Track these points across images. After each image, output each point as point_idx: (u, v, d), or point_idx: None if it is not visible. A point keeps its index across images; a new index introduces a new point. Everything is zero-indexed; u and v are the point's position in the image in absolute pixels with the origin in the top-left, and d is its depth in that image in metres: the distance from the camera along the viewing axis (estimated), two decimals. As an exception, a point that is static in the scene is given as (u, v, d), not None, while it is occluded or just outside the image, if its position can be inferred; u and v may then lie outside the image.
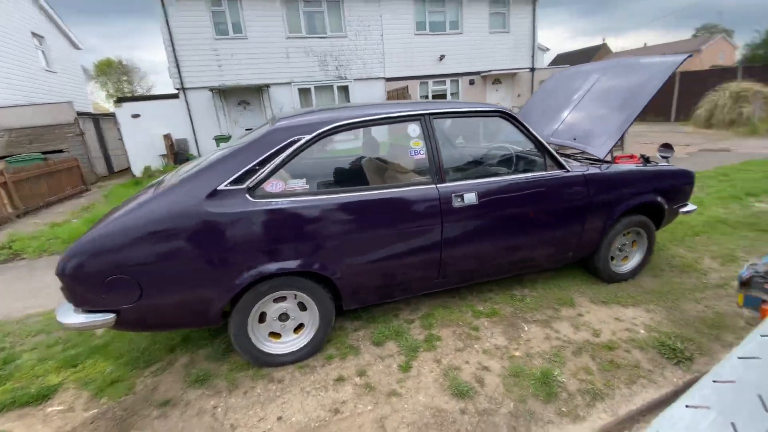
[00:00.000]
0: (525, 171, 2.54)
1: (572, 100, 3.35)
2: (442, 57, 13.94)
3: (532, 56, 15.56)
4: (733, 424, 1.42)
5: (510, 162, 2.76)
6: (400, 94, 12.20)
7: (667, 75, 2.69)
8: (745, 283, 1.89)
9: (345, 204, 2.08)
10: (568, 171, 2.52)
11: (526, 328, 2.40)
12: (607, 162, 2.77)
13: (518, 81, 15.69)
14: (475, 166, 2.86)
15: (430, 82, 14.16)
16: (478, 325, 2.45)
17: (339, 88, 12.89)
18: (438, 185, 2.25)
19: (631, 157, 3.28)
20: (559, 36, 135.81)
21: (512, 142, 2.98)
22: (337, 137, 2.23)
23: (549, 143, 2.72)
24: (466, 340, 2.31)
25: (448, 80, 14.38)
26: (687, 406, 1.51)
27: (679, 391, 1.85)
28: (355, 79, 12.97)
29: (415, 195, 2.20)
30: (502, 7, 14.43)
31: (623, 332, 2.30)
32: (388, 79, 13.41)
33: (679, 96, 14.33)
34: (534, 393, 1.89)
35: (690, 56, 2.87)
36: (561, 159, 2.55)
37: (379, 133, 3.05)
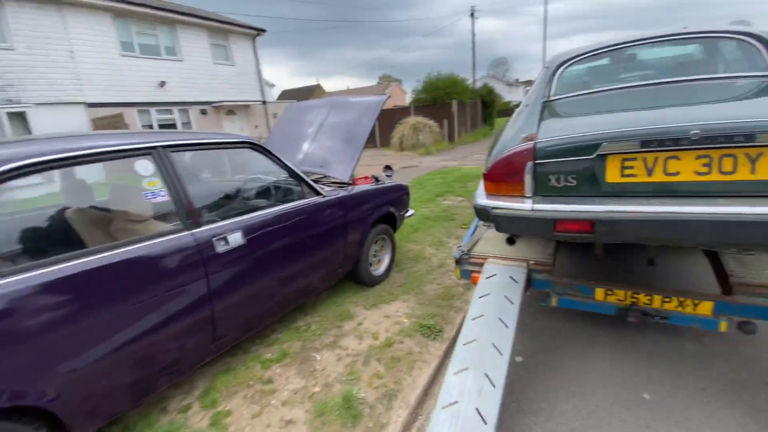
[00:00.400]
0: (285, 201, 2.52)
1: (309, 132, 3.65)
2: (162, 83, 12.38)
3: (261, 90, 16.28)
4: (486, 375, 1.88)
5: (269, 193, 2.67)
6: (112, 123, 9.91)
7: (378, 111, 3.35)
8: (458, 261, 2.55)
9: (51, 283, 1.39)
10: (324, 196, 2.69)
11: (318, 358, 2.36)
12: (350, 184, 3.16)
13: (253, 113, 16.02)
14: (235, 202, 2.60)
15: (153, 110, 12.29)
16: (270, 376, 2.21)
17: (10, 115, 9.13)
18: (193, 231, 1.87)
19: (365, 178, 3.89)
20: (281, 73, 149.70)
21: (264, 172, 2.92)
22: (18, 183, 1.47)
23: (304, 172, 2.82)
24: (261, 400, 2.03)
25: (175, 109, 12.91)
26: (454, 374, 1.89)
27: (443, 361, 2.29)
28: (37, 104, 9.58)
29: (163, 248, 1.74)
30: (222, 40, 14.39)
31: (394, 327, 2.66)
32: (92, 105, 10.67)
33: (379, 127, 18.67)
34: (342, 423, 1.86)
35: (388, 97, 3.70)
36: (316, 186, 2.69)
37: (90, 173, 2.26)
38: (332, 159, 3.31)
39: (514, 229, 1.84)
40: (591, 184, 1.69)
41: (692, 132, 1.46)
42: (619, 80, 2.55)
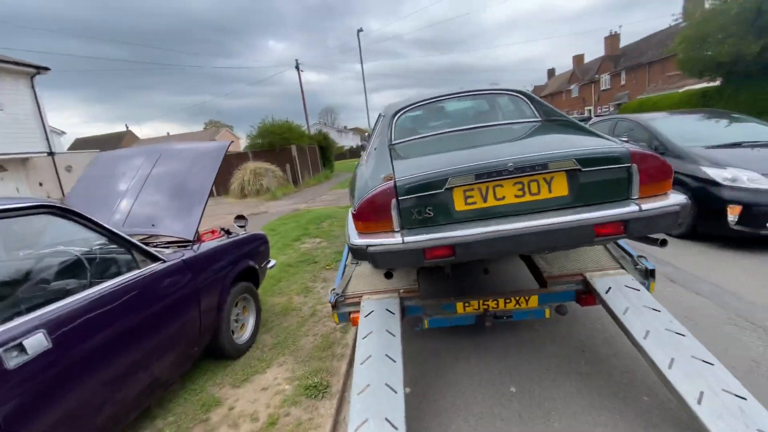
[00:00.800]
0: (110, 275, 1.96)
1: (130, 186, 3.04)
2: None
3: (47, 138, 12.91)
4: (387, 419, 1.81)
5: (83, 269, 2.03)
6: None
7: (221, 157, 3.06)
8: (334, 305, 2.46)
9: None
10: (165, 261, 2.22)
11: (182, 470, 1.84)
12: (195, 242, 2.72)
13: (34, 167, 12.45)
14: (28, 291, 1.86)
15: None
16: None
17: None
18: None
19: (213, 232, 3.44)
20: (75, 119, 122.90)
21: (69, 243, 2.22)
22: None
23: (131, 235, 2.27)
24: None
25: None
26: (356, 430, 1.76)
27: (337, 418, 2.11)
28: None
29: None
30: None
31: (275, 398, 2.33)
32: None
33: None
34: None
35: (231, 143, 3.43)
36: (151, 250, 2.20)
37: None
38: (167, 215, 2.80)
39: (390, 263, 1.90)
40: (445, 214, 1.92)
41: (509, 165, 1.84)
42: (438, 126, 3.08)
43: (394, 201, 1.89)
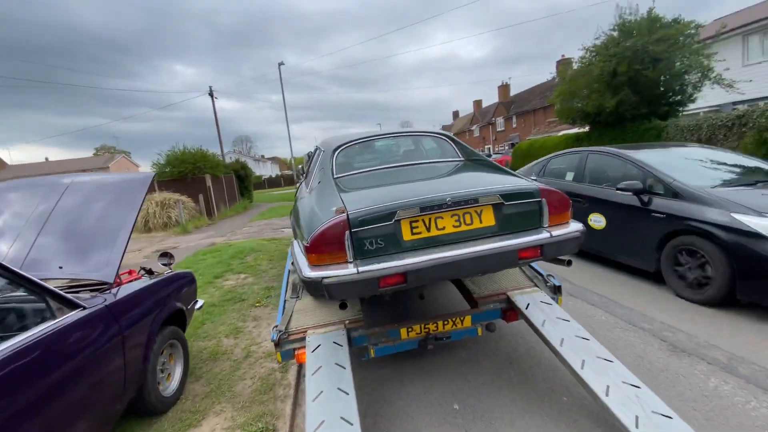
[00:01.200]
0: (19, 329, 1.66)
1: (30, 222, 2.63)
2: None
3: None
4: None
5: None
6: None
7: (145, 190, 2.84)
8: (277, 344, 2.39)
9: None
10: (85, 307, 1.95)
11: None
12: (114, 285, 2.45)
13: None
14: None
15: None
16: None
17: None
18: None
19: (130, 272, 3.09)
20: None
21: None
22: None
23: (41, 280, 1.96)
24: None
25: None
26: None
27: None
28: None
29: None
30: None
31: (215, 451, 2.14)
32: None
33: (111, 207, 15.12)
34: None
35: (155, 175, 3.19)
36: (69, 295, 1.92)
37: None
38: (80, 255, 2.48)
39: (345, 293, 1.96)
40: (394, 243, 2.07)
41: (447, 199, 2.10)
42: (375, 162, 3.30)
43: (347, 233, 1.98)
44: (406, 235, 2.09)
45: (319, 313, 2.66)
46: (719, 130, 9.32)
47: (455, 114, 63.98)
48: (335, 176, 2.88)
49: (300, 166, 5.38)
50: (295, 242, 2.68)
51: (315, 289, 1.96)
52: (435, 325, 2.45)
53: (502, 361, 2.86)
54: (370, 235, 2.03)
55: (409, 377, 2.75)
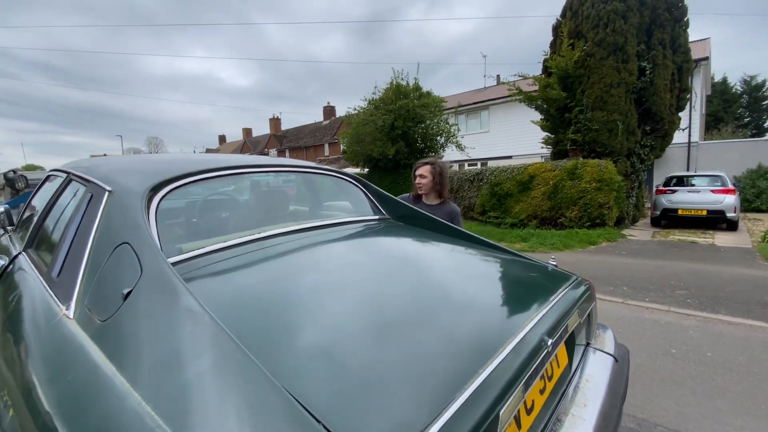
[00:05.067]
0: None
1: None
2: None
3: None
4: None
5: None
6: None
7: None
8: None
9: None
10: None
11: None
12: None
13: None
14: None
15: None
16: None
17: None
18: None
19: None
20: None
21: None
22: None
23: None
24: None
25: None
26: None
27: None
28: None
29: None
30: None
31: None
32: None
33: None
34: None
35: None
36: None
37: None
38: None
39: None
40: None
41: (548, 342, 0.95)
42: (247, 223, 1.67)
43: None
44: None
45: None
46: (465, 183, 11.98)
47: (222, 138, 58.95)
48: (176, 259, 1.14)
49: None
50: None
51: None
52: None
53: None
54: None
55: None
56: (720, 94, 29.35)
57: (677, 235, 9.04)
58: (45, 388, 0.84)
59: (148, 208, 1.21)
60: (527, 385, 0.86)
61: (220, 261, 1.22)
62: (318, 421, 0.59)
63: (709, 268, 6.00)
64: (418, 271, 1.37)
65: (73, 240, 1.22)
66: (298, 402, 0.61)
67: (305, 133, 40.02)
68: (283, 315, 0.96)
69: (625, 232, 9.50)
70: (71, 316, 0.98)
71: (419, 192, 2.73)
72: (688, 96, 10.93)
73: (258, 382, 0.64)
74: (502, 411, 0.75)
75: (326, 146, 35.64)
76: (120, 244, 1.04)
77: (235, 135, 62.73)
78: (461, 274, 1.43)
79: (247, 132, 50.60)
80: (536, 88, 10.49)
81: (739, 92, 30.51)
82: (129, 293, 0.90)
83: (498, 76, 25.76)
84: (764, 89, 29.58)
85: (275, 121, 45.61)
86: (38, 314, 1.08)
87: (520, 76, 10.39)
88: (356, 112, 14.36)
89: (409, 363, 0.80)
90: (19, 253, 1.63)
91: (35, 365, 0.92)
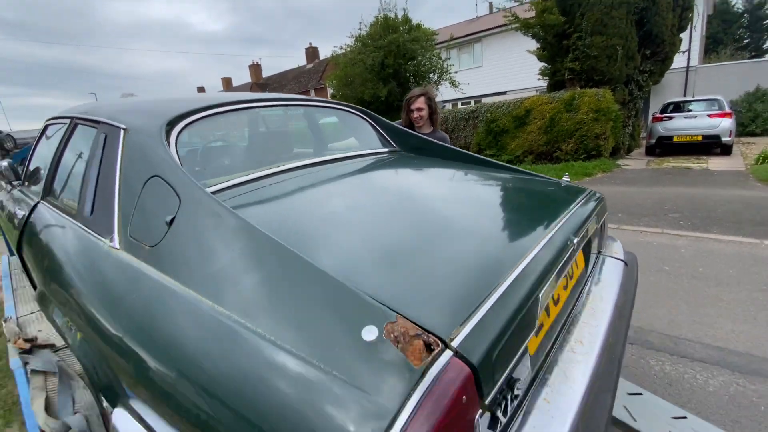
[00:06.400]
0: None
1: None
2: None
3: None
4: None
5: None
6: None
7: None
8: None
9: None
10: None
11: None
12: None
13: None
14: None
15: None
16: None
17: None
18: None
19: None
20: None
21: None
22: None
23: None
24: None
25: None
26: None
27: None
28: None
29: None
30: None
31: None
32: None
33: None
34: None
35: None
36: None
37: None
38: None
39: None
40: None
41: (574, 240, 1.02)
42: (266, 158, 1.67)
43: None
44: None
45: None
46: (460, 122, 11.72)
47: (200, 89, 56.01)
48: (212, 188, 1.16)
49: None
50: None
51: None
52: None
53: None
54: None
55: None
56: (720, 14, 27.92)
57: (671, 162, 9.13)
58: (110, 308, 0.90)
59: (167, 143, 1.20)
60: (558, 275, 0.96)
61: (248, 192, 1.23)
62: (391, 309, 0.65)
63: (703, 191, 6.16)
64: (450, 191, 1.47)
65: (98, 180, 1.22)
66: (368, 295, 0.67)
67: (288, 79, 37.97)
68: (328, 230, 1.01)
69: (620, 162, 9.57)
70: (117, 246, 1.01)
71: (418, 125, 2.70)
72: (690, 15, 10.40)
73: (326, 280, 0.69)
74: (541, 293, 0.84)
75: (312, 92, 34.07)
76: (150, 177, 1.05)
77: (214, 86, 59.50)
78: (490, 191, 1.56)
79: (227, 82, 47.87)
80: (533, 14, 9.88)
81: (740, 11, 29.01)
82: (173, 220, 0.92)
83: (491, 3, 24.08)
84: (766, 7, 28.11)
85: (255, 68, 42.98)
86: (82, 249, 1.12)
87: (516, 1, 9.73)
88: (343, 51, 13.52)
89: (460, 258, 0.90)
90: (38, 203, 1.63)
91: (94, 291, 0.97)
